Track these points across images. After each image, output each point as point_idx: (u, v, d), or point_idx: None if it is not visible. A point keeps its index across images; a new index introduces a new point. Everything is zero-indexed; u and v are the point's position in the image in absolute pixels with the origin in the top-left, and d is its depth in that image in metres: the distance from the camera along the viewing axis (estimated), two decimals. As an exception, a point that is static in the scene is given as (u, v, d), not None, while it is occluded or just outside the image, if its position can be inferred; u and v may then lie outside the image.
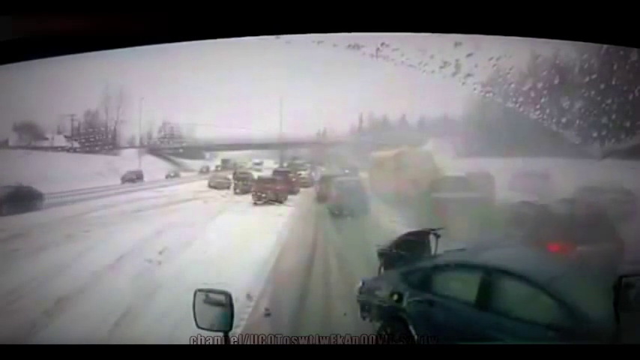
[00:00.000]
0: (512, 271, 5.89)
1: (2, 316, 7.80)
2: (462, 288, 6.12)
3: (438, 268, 6.75)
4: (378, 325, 6.71)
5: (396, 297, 6.52)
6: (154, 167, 19.62)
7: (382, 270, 7.51)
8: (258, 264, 10.45)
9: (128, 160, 18.85)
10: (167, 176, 20.33)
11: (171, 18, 2.77)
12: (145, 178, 18.83)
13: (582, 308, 5.13)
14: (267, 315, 8.30)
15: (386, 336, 6.42)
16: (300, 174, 18.69)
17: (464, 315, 5.86)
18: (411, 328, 6.20)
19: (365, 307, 7.02)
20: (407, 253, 7.37)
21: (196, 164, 22.05)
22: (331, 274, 9.99)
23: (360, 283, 7.28)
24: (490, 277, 5.96)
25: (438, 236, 7.57)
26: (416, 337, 6.08)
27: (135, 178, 18.47)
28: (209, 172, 21.30)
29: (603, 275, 5.38)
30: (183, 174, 21.18)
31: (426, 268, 6.86)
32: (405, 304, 6.42)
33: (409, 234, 7.92)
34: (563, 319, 5.11)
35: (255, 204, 16.23)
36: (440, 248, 7.59)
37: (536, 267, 6.06)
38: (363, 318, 6.99)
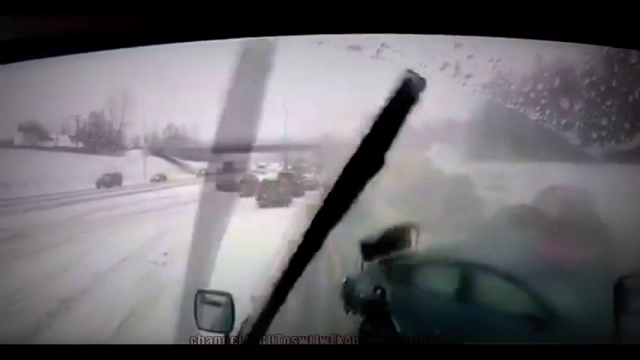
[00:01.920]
0: (490, 268, 6.38)
1: (5, 318, 7.83)
2: (443, 282, 6.64)
3: (420, 264, 7.26)
4: (361, 319, 7.14)
5: (379, 291, 6.95)
6: (154, 169, 19.66)
7: (363, 265, 7.67)
8: (263, 265, 10.44)
9: (132, 161, 18.89)
10: (152, 180, 19.99)
11: (172, 18, 2.78)
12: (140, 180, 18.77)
13: (556, 303, 5.62)
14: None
15: (369, 329, 6.91)
16: (304, 176, 18.72)
17: (444, 308, 6.44)
18: (393, 320, 6.74)
19: (349, 302, 7.43)
20: (388, 248, 7.64)
21: (200, 166, 22.07)
22: (335, 274, 10.00)
23: (344, 280, 7.67)
24: (470, 272, 6.48)
25: (418, 230, 7.85)
26: (399, 329, 6.64)
27: (110, 181, 18.08)
28: (208, 175, 21.32)
29: (592, 276, 5.63)
30: (180, 176, 21.11)
31: (408, 263, 7.37)
32: (388, 297, 6.87)
33: (391, 230, 8.03)
34: (537, 311, 5.63)
35: (260, 206, 16.28)
36: (427, 245, 7.91)
37: (514, 264, 6.33)
38: (347, 312, 7.38)
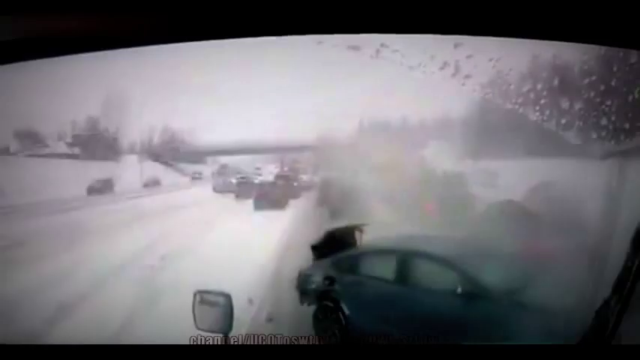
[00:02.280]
0: (425, 253, 7.45)
1: (3, 324, 7.80)
2: (384, 269, 7.59)
3: (364, 254, 8.32)
4: (314, 307, 7.91)
5: (328, 281, 7.91)
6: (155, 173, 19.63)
7: (314, 261, 8.62)
8: (260, 268, 10.46)
9: (128, 165, 18.83)
10: (145, 185, 19.74)
11: (171, 19, 2.77)
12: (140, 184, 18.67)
13: (484, 279, 6.73)
14: (270, 320, 8.41)
15: (321, 317, 7.70)
16: (301, 177, 18.72)
17: (385, 290, 7.39)
18: (342, 305, 7.59)
19: (303, 294, 8.20)
20: (336, 245, 8.61)
21: (197, 169, 22.02)
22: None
23: (297, 273, 8.44)
24: (406, 258, 7.49)
25: (361, 231, 8.93)
26: (347, 312, 7.50)
27: (100, 187, 17.82)
28: (204, 178, 21.28)
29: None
30: (177, 180, 21.02)
31: (353, 254, 8.37)
32: (336, 286, 7.83)
33: (338, 229, 9.19)
34: (465, 287, 6.69)
35: (257, 209, 16.28)
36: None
37: (441, 247, 7.54)
38: (302, 303, 8.12)
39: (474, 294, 6.62)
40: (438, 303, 6.80)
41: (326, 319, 7.67)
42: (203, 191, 19.44)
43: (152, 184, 19.67)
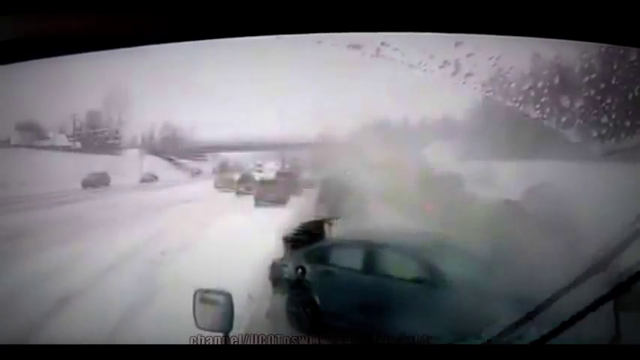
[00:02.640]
0: (389, 244, 7.97)
1: (2, 317, 7.80)
2: (352, 259, 8.06)
3: (333, 245, 8.85)
4: (287, 295, 8.42)
5: (300, 270, 8.31)
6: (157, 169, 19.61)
7: (287, 252, 9.31)
8: (260, 265, 10.47)
9: (129, 160, 18.81)
10: (142, 180, 19.65)
11: (171, 18, 2.77)
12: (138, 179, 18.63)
13: (442, 268, 7.31)
14: (269, 316, 8.50)
15: (294, 306, 8.17)
16: (302, 175, 18.71)
17: (353, 279, 7.89)
18: (313, 293, 8.10)
19: (276, 283, 8.70)
20: (307, 238, 9.31)
21: (198, 166, 22.00)
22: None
23: (270, 264, 8.94)
24: (373, 249, 7.96)
25: (331, 224, 9.80)
26: (318, 300, 8.00)
27: (94, 181, 17.71)
28: (205, 174, 21.27)
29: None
30: (178, 176, 20.97)
31: (323, 246, 8.94)
32: (307, 275, 8.26)
33: (309, 223, 9.98)
34: (422, 275, 7.29)
35: (257, 205, 16.28)
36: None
37: (405, 239, 8.08)
38: (275, 293, 8.59)
39: (433, 282, 7.20)
40: (400, 290, 7.31)
41: (298, 307, 8.18)
42: (204, 187, 19.45)
43: (151, 179, 19.63)
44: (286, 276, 8.52)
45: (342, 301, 7.86)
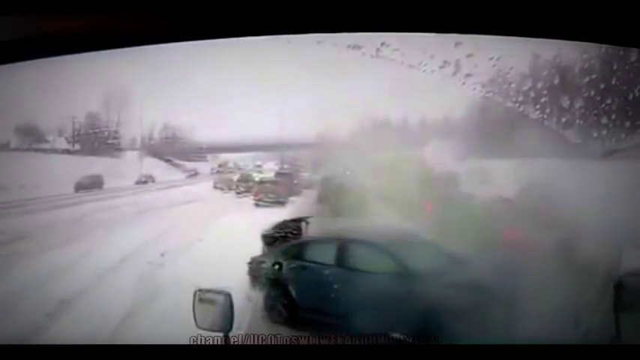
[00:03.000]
0: (360, 240, 8.42)
1: (3, 318, 7.80)
2: (325, 254, 8.50)
3: (309, 242, 9.38)
4: (264, 290, 8.73)
5: (277, 266, 8.75)
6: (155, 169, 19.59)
7: (265, 249, 9.70)
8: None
9: (129, 162, 18.77)
10: (137, 182, 19.47)
11: (171, 18, 2.77)
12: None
13: (407, 261, 7.78)
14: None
15: (272, 300, 8.56)
16: (302, 175, 18.69)
17: (326, 273, 8.24)
18: (290, 288, 8.50)
19: (254, 279, 8.95)
20: (284, 235, 9.78)
21: (198, 166, 21.96)
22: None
23: (249, 260, 9.20)
24: (345, 245, 8.41)
25: (307, 223, 10.22)
26: (294, 293, 8.43)
27: (87, 184, 17.55)
28: (205, 175, 21.23)
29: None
30: (177, 177, 20.91)
31: (299, 242, 9.48)
32: (284, 270, 8.72)
33: (287, 221, 10.35)
34: (392, 268, 7.70)
35: (257, 205, 16.26)
36: None
37: (375, 235, 8.50)
38: (254, 288, 8.82)
39: (401, 275, 7.61)
40: (370, 283, 7.63)
41: (275, 302, 8.58)
42: (204, 188, 19.42)
43: (149, 180, 19.59)
44: (264, 272, 8.92)
45: (316, 294, 8.29)
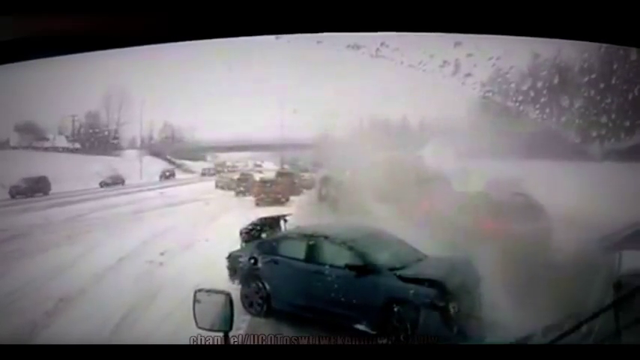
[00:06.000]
0: (327, 236, 8.95)
1: (3, 317, 7.79)
2: (297, 250, 9.04)
3: (282, 238, 9.82)
4: (242, 283, 9.15)
5: (252, 260, 9.21)
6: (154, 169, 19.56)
7: (242, 245, 10.10)
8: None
9: (128, 161, 18.74)
10: (161, 177, 19.83)
11: (171, 18, 2.76)
12: (144, 180, 18.64)
13: (372, 254, 8.46)
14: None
15: (247, 293, 8.99)
16: (302, 175, 18.66)
17: (297, 267, 8.84)
18: (264, 281, 8.97)
19: (232, 273, 9.42)
20: (262, 232, 10.38)
21: (197, 166, 21.92)
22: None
23: (227, 255, 9.63)
24: (314, 240, 8.96)
25: (286, 221, 10.81)
26: (268, 287, 8.91)
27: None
28: (205, 175, 21.22)
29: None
30: (178, 176, 20.94)
31: (274, 238, 9.93)
32: (259, 264, 9.16)
33: (265, 218, 10.91)
34: (357, 261, 8.30)
35: (258, 205, 16.23)
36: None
37: (344, 232, 9.14)
38: (232, 282, 9.25)
39: (364, 268, 8.24)
40: (336, 276, 8.28)
41: (251, 294, 9.03)
42: (204, 187, 19.39)
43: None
44: (241, 265, 9.36)
45: (288, 287, 8.82)
